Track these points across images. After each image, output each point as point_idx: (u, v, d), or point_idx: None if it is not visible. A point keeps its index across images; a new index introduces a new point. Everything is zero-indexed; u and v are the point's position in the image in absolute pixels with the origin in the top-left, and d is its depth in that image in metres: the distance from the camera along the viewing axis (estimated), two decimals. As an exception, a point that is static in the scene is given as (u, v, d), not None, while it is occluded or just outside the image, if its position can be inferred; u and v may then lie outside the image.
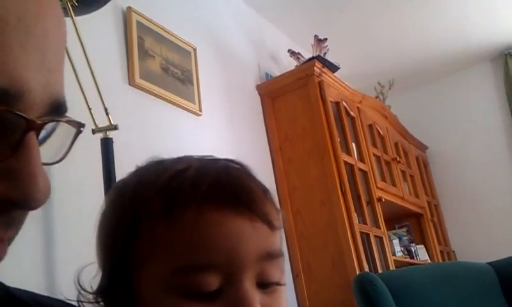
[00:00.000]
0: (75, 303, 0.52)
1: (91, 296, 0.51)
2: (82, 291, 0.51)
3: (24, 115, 0.34)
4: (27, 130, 0.34)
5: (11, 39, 0.32)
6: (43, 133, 0.37)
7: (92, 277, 0.52)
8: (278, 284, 0.49)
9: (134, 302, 0.47)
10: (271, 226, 0.49)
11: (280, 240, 0.50)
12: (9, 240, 0.37)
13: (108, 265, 0.50)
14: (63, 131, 0.39)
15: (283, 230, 0.52)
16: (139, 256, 0.47)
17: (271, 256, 0.48)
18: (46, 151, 0.38)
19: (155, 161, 0.53)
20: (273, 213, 0.49)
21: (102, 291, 0.50)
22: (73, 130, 0.40)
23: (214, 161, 0.51)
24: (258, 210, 0.47)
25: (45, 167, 0.37)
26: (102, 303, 0.50)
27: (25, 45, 0.33)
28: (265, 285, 0.48)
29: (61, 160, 0.40)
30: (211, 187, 0.46)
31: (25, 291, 0.50)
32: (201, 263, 0.45)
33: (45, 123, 0.36)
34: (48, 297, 0.52)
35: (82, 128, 0.40)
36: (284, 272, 0.50)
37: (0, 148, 0.33)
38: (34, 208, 0.35)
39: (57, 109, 0.37)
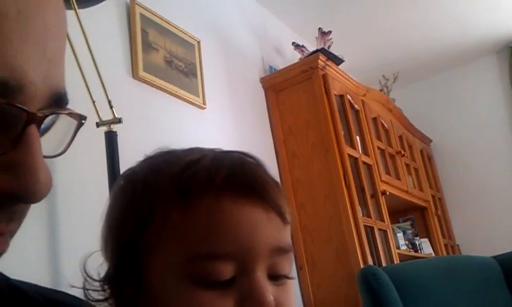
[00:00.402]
0: (78, 292, 0.52)
1: (97, 284, 0.50)
2: (88, 279, 0.51)
3: (24, 107, 0.33)
4: (28, 123, 0.34)
5: (11, 31, 0.32)
6: (44, 125, 0.36)
7: (99, 265, 0.51)
8: (287, 277, 0.49)
9: (142, 290, 0.47)
10: (284, 219, 0.49)
11: (289, 235, 0.51)
12: (11, 234, 0.37)
13: (116, 251, 0.49)
14: (64, 123, 0.39)
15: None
16: (151, 244, 0.47)
17: (283, 250, 0.48)
18: (48, 144, 0.38)
19: (164, 151, 0.54)
20: (285, 207, 0.50)
21: (109, 279, 0.50)
22: (74, 123, 0.40)
23: (228, 153, 0.51)
24: (272, 202, 0.48)
25: (48, 160, 0.37)
26: (108, 291, 0.50)
27: (25, 37, 0.33)
28: (276, 277, 0.48)
29: (63, 152, 0.40)
30: (227, 176, 0.47)
31: (27, 283, 0.50)
32: (217, 251, 0.45)
33: (46, 116, 0.36)
34: (50, 289, 0.52)
35: (83, 121, 0.40)
36: (292, 267, 0.51)
37: (1, 141, 0.33)
38: (35, 201, 0.35)
39: (58, 101, 0.37)
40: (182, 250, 0.45)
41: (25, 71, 0.33)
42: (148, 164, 0.52)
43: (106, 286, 0.50)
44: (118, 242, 0.49)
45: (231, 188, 0.46)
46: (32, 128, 0.34)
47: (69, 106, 0.39)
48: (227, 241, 0.45)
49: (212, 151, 0.51)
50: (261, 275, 0.46)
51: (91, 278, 0.50)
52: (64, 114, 0.38)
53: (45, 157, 0.37)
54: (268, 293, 0.45)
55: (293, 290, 0.50)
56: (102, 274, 0.50)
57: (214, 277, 0.45)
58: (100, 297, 0.50)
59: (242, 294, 0.45)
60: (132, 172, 0.52)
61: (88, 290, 0.51)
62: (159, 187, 0.47)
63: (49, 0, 0.36)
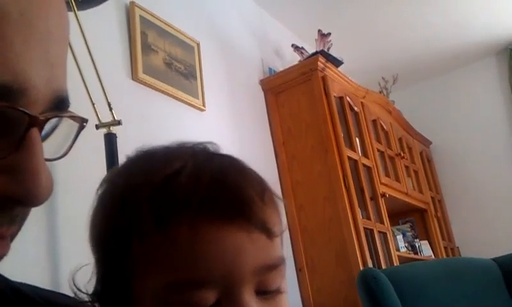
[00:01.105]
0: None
1: (86, 297, 0.48)
2: (77, 293, 0.49)
3: (26, 111, 0.33)
4: (30, 126, 0.34)
5: (13, 34, 0.32)
6: (46, 129, 0.36)
7: (88, 279, 0.49)
8: (279, 292, 0.47)
9: None
10: (270, 235, 0.46)
11: (280, 246, 0.48)
12: (12, 237, 0.37)
13: (101, 270, 0.48)
14: (65, 126, 0.39)
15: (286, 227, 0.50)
16: (131, 267, 0.45)
17: (270, 267, 0.45)
18: (49, 147, 0.38)
19: (144, 153, 0.51)
20: (272, 219, 0.46)
21: (97, 296, 0.48)
22: (76, 125, 0.40)
23: (209, 160, 0.47)
24: (256, 220, 0.44)
25: (48, 162, 0.36)
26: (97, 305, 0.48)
27: (28, 40, 0.33)
28: (265, 292, 0.46)
29: (63, 155, 0.40)
30: (205, 197, 0.43)
31: (27, 285, 0.50)
32: (196, 279, 0.42)
33: (48, 119, 0.36)
34: (50, 291, 0.52)
35: (85, 124, 0.40)
36: (285, 278, 0.48)
37: (3, 144, 0.33)
38: (36, 204, 0.35)
39: (60, 105, 0.37)
40: (160, 277, 0.43)
41: (28, 74, 0.33)
42: (127, 174, 0.49)
43: (95, 302, 0.48)
44: (102, 261, 0.47)
45: (209, 210, 0.43)
46: (34, 132, 0.34)
47: (70, 108, 0.39)
48: (206, 269, 0.42)
49: (194, 155, 0.47)
50: (247, 296, 0.43)
51: (81, 292, 0.48)
52: (66, 117, 0.38)
53: (46, 159, 0.37)
54: None
55: (285, 301, 0.48)
56: (91, 289, 0.49)
57: (195, 305, 0.42)
58: None
59: None
60: (112, 183, 0.49)
61: (80, 301, 0.49)
62: (135, 210, 0.44)
63: (52, 3, 0.36)
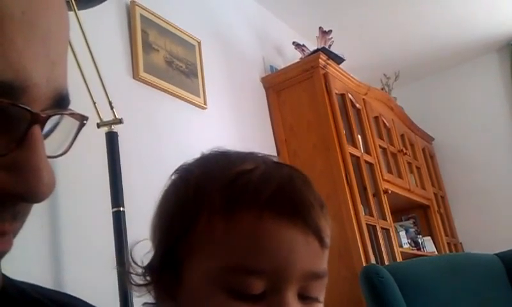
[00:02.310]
0: (82, 289, 0.52)
1: (140, 270, 0.53)
2: (133, 264, 0.53)
3: (28, 108, 0.33)
4: (31, 123, 0.34)
5: (15, 32, 0.32)
6: (47, 126, 0.37)
7: (144, 253, 0.54)
8: (318, 301, 0.51)
9: (179, 286, 0.50)
10: (322, 243, 0.50)
11: (326, 259, 0.52)
12: (14, 233, 0.37)
13: (162, 245, 0.52)
14: (66, 124, 0.39)
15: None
16: (193, 246, 0.49)
17: (316, 275, 0.50)
18: (50, 144, 0.38)
19: (220, 152, 0.55)
20: (326, 230, 0.51)
21: (151, 269, 0.52)
22: (76, 123, 0.40)
23: (279, 167, 0.52)
24: (313, 226, 0.49)
25: (50, 160, 0.37)
26: (148, 278, 0.53)
27: (30, 39, 0.33)
28: (305, 298, 0.49)
29: (64, 153, 0.40)
30: (273, 194, 0.48)
31: (28, 283, 0.50)
32: (252, 267, 0.46)
33: (50, 116, 0.36)
34: (52, 290, 0.52)
35: (85, 121, 0.40)
36: (324, 291, 0.52)
37: (5, 141, 0.33)
38: (38, 201, 0.35)
39: (60, 102, 0.37)
40: (220, 259, 0.47)
41: (29, 72, 0.33)
42: (202, 166, 0.53)
43: (147, 274, 0.53)
44: (165, 237, 0.52)
45: (275, 207, 0.47)
46: (36, 129, 0.35)
47: (70, 107, 0.39)
48: (264, 259, 0.46)
49: (265, 162, 0.52)
50: (290, 295, 0.47)
51: (135, 264, 0.53)
52: (67, 114, 0.39)
53: (48, 157, 0.37)
54: None
55: None
56: (146, 262, 0.53)
57: (246, 290, 0.46)
58: (141, 282, 0.53)
59: None
60: (187, 170, 0.54)
61: (131, 273, 0.53)
62: (209, 194, 0.49)
63: (52, 2, 0.36)
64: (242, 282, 0.46)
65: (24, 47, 0.33)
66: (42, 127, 0.35)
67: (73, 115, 0.39)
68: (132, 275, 0.53)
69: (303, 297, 0.49)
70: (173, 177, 0.55)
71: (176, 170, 0.55)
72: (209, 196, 0.49)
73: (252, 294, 0.46)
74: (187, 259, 0.49)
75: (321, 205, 0.52)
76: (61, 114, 0.38)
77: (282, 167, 0.53)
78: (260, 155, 0.55)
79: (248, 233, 0.47)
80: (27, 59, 0.33)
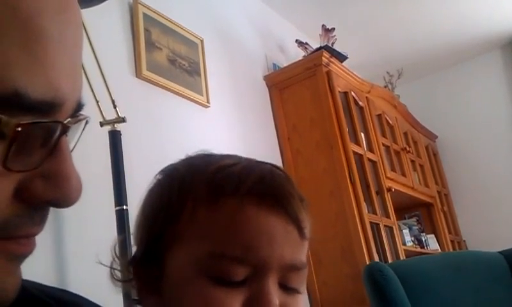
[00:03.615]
0: (85, 286, 0.53)
1: (123, 264, 0.55)
2: (116, 259, 0.56)
3: (61, 121, 0.35)
4: (61, 134, 0.36)
5: (54, 52, 0.34)
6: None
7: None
8: (298, 292, 0.52)
9: (162, 277, 0.51)
10: (302, 234, 0.52)
11: (306, 251, 0.53)
12: (38, 235, 0.39)
13: (146, 238, 0.53)
14: (75, 126, 0.40)
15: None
16: (177, 236, 0.50)
17: (295, 267, 0.51)
18: None
19: (204, 153, 0.57)
20: (305, 222, 0.52)
21: (135, 262, 0.54)
22: (82, 124, 0.41)
23: (260, 163, 0.54)
24: (293, 215, 0.50)
25: None
26: (131, 272, 0.54)
27: (63, 57, 0.35)
28: (286, 288, 0.51)
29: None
30: (255, 184, 0.50)
31: (29, 281, 0.50)
32: (234, 253, 0.48)
33: (72, 124, 0.38)
34: (53, 287, 0.52)
35: (87, 121, 0.41)
36: (305, 282, 0.53)
37: (42, 153, 0.35)
38: (69, 205, 0.37)
39: (79, 108, 0.39)
40: (203, 246, 0.49)
41: (64, 89, 0.35)
42: (187, 163, 0.56)
43: (131, 268, 0.54)
44: (149, 229, 0.53)
45: (256, 196, 0.49)
46: (64, 138, 0.37)
47: (89, 118, 0.41)
48: (244, 247, 0.48)
49: (247, 159, 0.54)
50: (271, 282, 0.49)
51: (118, 258, 0.55)
52: (81, 119, 0.40)
53: None
54: (275, 298, 0.48)
55: (302, 303, 0.53)
56: (130, 257, 0.55)
57: (228, 277, 0.48)
58: (125, 278, 0.55)
59: (250, 296, 0.48)
60: (173, 168, 0.56)
61: (114, 269, 0.55)
62: (193, 185, 0.51)
63: (75, 16, 0.37)
64: (223, 268, 0.48)
65: (60, 66, 0.34)
66: (67, 135, 0.37)
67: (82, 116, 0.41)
68: (116, 271, 0.55)
69: (284, 287, 0.50)
70: (157, 177, 0.57)
71: (161, 170, 0.57)
72: (193, 188, 0.51)
73: (233, 281, 0.48)
74: (171, 248, 0.51)
75: (301, 199, 0.53)
76: (80, 120, 0.40)
77: (264, 163, 0.54)
78: (242, 156, 0.56)
79: (229, 220, 0.49)
80: (63, 77, 0.35)
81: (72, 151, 0.40)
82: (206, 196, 0.50)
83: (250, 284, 0.48)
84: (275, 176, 0.52)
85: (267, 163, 0.55)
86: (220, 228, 0.49)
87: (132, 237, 0.56)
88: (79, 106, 0.39)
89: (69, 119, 0.37)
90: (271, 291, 0.48)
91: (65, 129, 0.36)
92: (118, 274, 0.56)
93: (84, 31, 1.53)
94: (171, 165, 0.57)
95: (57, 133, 0.36)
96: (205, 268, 0.48)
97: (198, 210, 0.50)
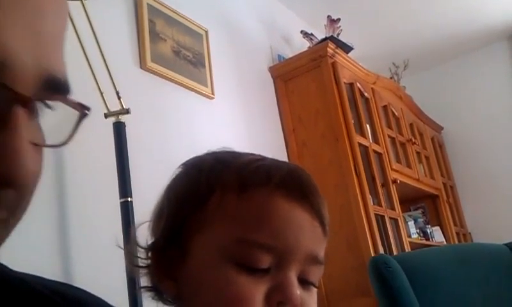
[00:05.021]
0: (86, 283, 0.52)
1: (142, 250, 0.55)
2: (135, 245, 0.56)
3: (9, 86, 0.31)
4: (13, 103, 0.32)
5: (6, 12, 0.31)
6: (40, 111, 0.35)
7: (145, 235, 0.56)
8: (314, 285, 0.53)
9: (180, 266, 0.52)
10: (325, 231, 0.54)
11: (324, 249, 0.55)
12: (6, 225, 0.35)
13: (170, 223, 0.54)
14: (71, 115, 0.38)
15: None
16: (204, 222, 0.51)
17: (317, 260, 0.52)
18: (54, 134, 0.37)
19: (230, 150, 0.58)
20: (327, 218, 0.55)
21: (156, 247, 0.54)
22: (75, 113, 0.38)
23: (286, 162, 0.57)
24: (319, 212, 0.53)
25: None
26: (150, 258, 0.55)
27: (14, 14, 0.31)
28: (303, 281, 0.52)
29: (64, 143, 0.38)
30: (284, 177, 0.51)
31: (30, 275, 0.49)
32: (262, 241, 0.49)
33: (36, 99, 0.34)
34: (54, 281, 0.52)
35: (87, 111, 0.38)
36: (320, 279, 0.55)
37: None
38: (16, 186, 0.33)
39: (53, 87, 0.35)
40: (231, 232, 0.50)
41: (11, 48, 0.31)
42: (214, 156, 0.56)
43: (150, 254, 0.55)
44: (173, 216, 0.54)
45: (285, 189, 0.51)
46: (19, 110, 0.32)
47: (78, 98, 0.37)
48: (273, 234, 0.49)
49: (273, 159, 0.56)
50: (293, 274, 0.50)
51: (137, 245, 0.56)
52: (61, 101, 0.36)
53: (48, 146, 0.36)
54: (297, 289, 0.49)
55: (315, 296, 0.54)
56: (149, 243, 0.56)
57: (253, 264, 0.48)
58: (142, 264, 0.55)
59: (273, 284, 0.49)
60: (199, 159, 0.57)
61: (134, 255, 0.55)
62: (222, 175, 0.52)
63: None
64: (250, 254, 0.48)
65: (7, 23, 0.30)
66: (28, 109, 0.33)
67: (72, 104, 0.37)
68: (133, 257, 0.56)
69: (302, 280, 0.51)
70: (181, 168, 0.57)
71: (184, 162, 0.58)
72: (222, 177, 0.52)
73: (258, 268, 0.49)
74: (197, 235, 0.52)
75: (322, 197, 0.55)
76: (53, 99, 0.36)
77: (289, 163, 0.57)
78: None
79: (259, 209, 0.50)
80: (10, 35, 0.31)
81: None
82: (236, 185, 0.51)
83: (274, 273, 0.49)
84: (301, 173, 0.54)
85: (292, 163, 0.57)
86: (249, 215, 0.50)
87: (148, 226, 0.57)
88: (56, 85, 0.35)
89: (36, 94, 0.33)
90: (294, 281, 0.49)
91: (20, 99, 0.32)
92: (137, 259, 0.56)
93: (88, 21, 1.53)
94: (196, 157, 0.58)
95: (8, 102, 0.32)
96: (231, 254, 0.49)
97: (227, 198, 0.51)
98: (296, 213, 0.51)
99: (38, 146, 0.35)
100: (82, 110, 0.38)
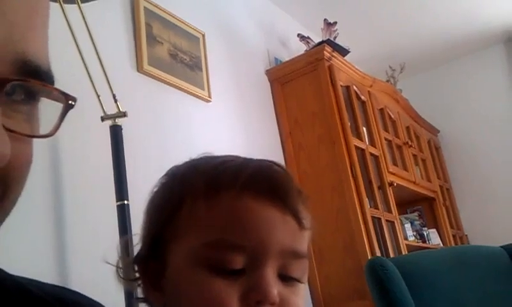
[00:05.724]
0: (87, 282, 0.52)
1: (129, 262, 0.56)
2: (121, 258, 0.57)
3: None
4: None
5: None
6: (16, 97, 0.33)
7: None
8: (299, 281, 0.52)
9: (164, 276, 0.52)
10: (300, 224, 0.52)
11: (306, 242, 0.53)
12: None
13: (150, 235, 0.55)
14: (50, 103, 0.36)
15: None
16: (177, 230, 0.51)
17: (296, 254, 0.51)
18: (41, 125, 0.36)
19: (207, 155, 0.58)
20: (303, 213, 0.53)
21: (139, 260, 0.55)
22: (59, 105, 0.36)
23: (260, 159, 0.55)
24: (290, 205, 0.51)
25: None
26: (136, 270, 0.56)
27: None
28: (286, 278, 0.51)
29: (50, 135, 0.37)
30: (252, 176, 0.51)
31: (26, 278, 0.49)
32: (231, 241, 0.48)
33: (8, 82, 0.32)
34: (49, 284, 0.52)
35: (72, 102, 0.36)
36: (306, 273, 0.53)
37: None
38: None
39: (31, 72, 0.33)
40: (201, 236, 0.49)
41: None
42: (189, 163, 0.57)
43: (136, 266, 0.55)
44: (152, 227, 0.55)
45: (253, 187, 0.50)
46: None
47: (76, 100, 0.36)
48: (243, 234, 0.48)
49: (247, 158, 0.55)
50: (269, 271, 0.49)
51: (123, 258, 0.57)
52: (41, 89, 0.35)
53: (32, 136, 0.35)
54: (273, 288, 0.48)
55: (303, 294, 0.53)
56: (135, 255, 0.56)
57: (226, 265, 0.48)
58: (131, 277, 0.56)
59: (248, 285, 0.48)
60: (175, 169, 0.57)
61: (119, 267, 0.56)
62: (192, 182, 0.52)
63: None
64: (222, 257, 0.48)
65: None
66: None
67: (56, 94, 0.36)
68: (122, 270, 0.56)
69: (284, 277, 0.50)
70: (162, 178, 0.58)
71: (165, 173, 0.58)
72: (192, 185, 0.52)
73: (232, 269, 0.48)
74: (171, 243, 0.52)
75: (299, 191, 0.53)
76: (32, 85, 0.34)
77: (263, 160, 0.55)
78: (244, 157, 0.57)
79: (227, 210, 0.49)
80: None
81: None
82: (204, 191, 0.51)
83: (248, 273, 0.48)
84: (272, 170, 0.53)
85: (266, 160, 0.55)
86: (218, 217, 0.49)
87: (138, 236, 0.57)
88: (28, 69, 0.33)
89: (7, 77, 0.32)
90: (269, 280, 0.48)
91: None
92: (123, 273, 0.57)
93: (85, 24, 1.53)
94: (174, 166, 0.58)
95: None
96: (203, 258, 0.48)
97: (196, 205, 0.51)
98: (264, 211, 0.50)
99: (15, 133, 0.33)
100: (67, 100, 0.36)
